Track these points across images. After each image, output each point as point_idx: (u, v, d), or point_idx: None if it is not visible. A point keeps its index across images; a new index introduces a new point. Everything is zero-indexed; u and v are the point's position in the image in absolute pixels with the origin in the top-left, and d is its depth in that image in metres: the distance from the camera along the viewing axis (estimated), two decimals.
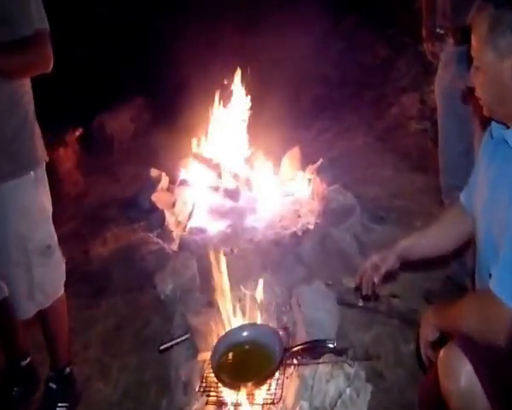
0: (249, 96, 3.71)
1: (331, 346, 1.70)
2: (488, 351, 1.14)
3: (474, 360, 1.13)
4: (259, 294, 2.21)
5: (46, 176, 1.87)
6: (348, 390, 1.66)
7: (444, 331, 1.31)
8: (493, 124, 1.29)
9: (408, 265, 1.57)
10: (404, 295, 2.22)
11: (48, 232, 1.86)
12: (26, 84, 1.76)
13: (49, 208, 1.89)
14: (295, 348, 1.75)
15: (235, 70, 3.81)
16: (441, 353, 1.20)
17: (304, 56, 4.91)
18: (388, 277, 1.58)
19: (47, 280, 1.84)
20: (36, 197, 1.80)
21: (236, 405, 1.68)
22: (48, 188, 1.88)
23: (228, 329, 1.97)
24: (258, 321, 2.07)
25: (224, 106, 3.68)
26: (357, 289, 1.61)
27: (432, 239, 1.55)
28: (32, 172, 1.76)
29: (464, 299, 1.27)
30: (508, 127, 1.23)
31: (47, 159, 1.87)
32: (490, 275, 1.19)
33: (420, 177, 3.09)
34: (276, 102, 4.18)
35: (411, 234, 1.57)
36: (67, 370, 1.99)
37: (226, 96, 3.71)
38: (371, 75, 4.90)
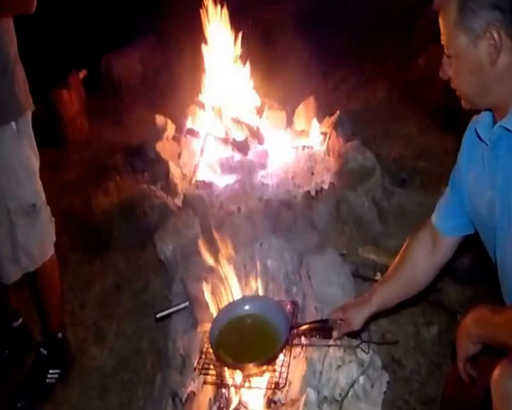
0: (263, 42, 3.28)
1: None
2: None
3: None
4: (267, 260, 1.97)
5: (31, 127, 1.62)
6: (361, 379, 1.43)
7: (489, 344, 1.03)
8: (478, 123, 1.10)
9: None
10: None
11: (32, 190, 1.62)
12: (3, 23, 1.47)
13: (35, 163, 1.65)
14: (303, 328, 1.52)
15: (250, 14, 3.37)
16: (497, 373, 0.92)
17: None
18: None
19: (32, 242, 1.62)
20: (18, 151, 1.56)
21: (237, 387, 1.48)
22: (33, 141, 1.64)
23: (230, 299, 1.75)
24: (265, 291, 1.84)
25: (237, 51, 3.27)
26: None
27: (403, 287, 1.36)
28: (12, 123, 1.52)
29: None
30: (494, 116, 1.05)
31: (33, 108, 1.63)
32: None
33: (447, 137, 2.71)
34: (292, 48, 3.74)
35: (378, 287, 1.38)
36: (59, 335, 1.82)
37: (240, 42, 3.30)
38: (396, 21, 4.35)
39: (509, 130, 0.98)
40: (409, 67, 3.73)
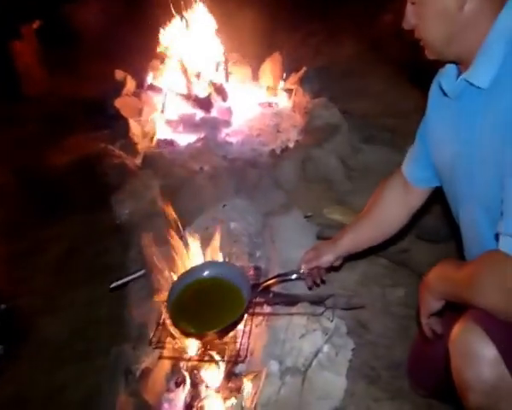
0: None
1: (303, 275, 1.36)
2: None
3: (502, 344, 0.78)
4: (230, 222, 1.76)
5: None
6: (326, 347, 1.28)
7: (451, 300, 0.94)
8: (442, 76, 1.00)
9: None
10: None
11: None
12: None
13: None
14: (265, 284, 1.36)
15: None
16: (455, 331, 0.84)
17: None
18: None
19: None
20: None
21: (195, 360, 1.30)
22: None
23: (191, 265, 1.54)
24: (228, 255, 1.64)
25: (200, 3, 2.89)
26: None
27: (375, 229, 1.29)
28: None
29: (477, 261, 0.87)
30: (459, 68, 0.96)
31: None
32: (496, 236, 0.84)
33: (415, 92, 2.51)
34: (258, 2, 3.36)
35: (349, 228, 1.32)
36: (2, 307, 1.57)
37: None
38: None
39: (471, 84, 0.90)
40: (376, 22, 3.45)
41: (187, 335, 1.32)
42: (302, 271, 1.34)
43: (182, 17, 3.00)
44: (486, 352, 0.78)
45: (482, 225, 0.97)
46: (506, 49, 0.84)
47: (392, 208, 1.26)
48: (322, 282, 1.40)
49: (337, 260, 1.34)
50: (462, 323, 0.84)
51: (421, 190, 1.22)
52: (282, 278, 1.38)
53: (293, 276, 1.38)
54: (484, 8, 0.87)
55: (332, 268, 1.38)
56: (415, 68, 2.80)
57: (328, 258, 1.31)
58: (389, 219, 1.27)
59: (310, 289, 1.41)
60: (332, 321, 1.31)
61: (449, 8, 0.88)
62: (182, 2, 2.98)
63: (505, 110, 0.83)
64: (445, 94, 1.00)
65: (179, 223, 1.69)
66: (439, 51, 0.94)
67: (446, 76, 0.99)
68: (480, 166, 0.91)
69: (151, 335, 1.36)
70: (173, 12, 3.04)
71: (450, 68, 0.99)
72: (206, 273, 1.44)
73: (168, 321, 1.35)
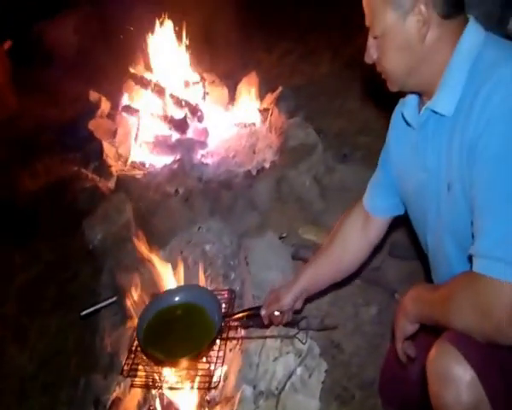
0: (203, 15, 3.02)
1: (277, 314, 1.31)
2: (493, 350, 0.80)
3: (478, 364, 0.80)
4: (205, 244, 1.81)
5: None
6: (299, 370, 1.33)
7: (426, 323, 0.96)
8: (404, 106, 1.04)
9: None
10: None
11: None
12: None
13: None
14: (235, 317, 1.38)
15: None
16: (431, 354, 0.85)
17: None
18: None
19: None
20: None
21: (167, 388, 1.33)
22: None
23: (164, 289, 1.57)
24: (202, 278, 1.68)
25: (177, 23, 2.99)
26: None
27: (334, 267, 1.28)
28: None
29: (451, 283, 0.88)
30: (421, 97, 1.00)
31: None
32: (469, 258, 0.85)
33: (388, 111, 2.63)
34: (233, 20, 3.48)
35: (308, 266, 1.30)
36: None
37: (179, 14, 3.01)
38: None
39: (436, 112, 0.93)
40: (351, 41, 3.61)
41: (158, 362, 1.34)
42: (263, 312, 1.29)
43: (157, 37, 3.08)
44: (463, 374, 0.79)
45: (450, 250, 1.00)
46: (467, 73, 0.88)
47: (351, 244, 1.25)
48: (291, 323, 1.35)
49: (298, 302, 1.30)
50: (438, 345, 0.84)
51: (383, 220, 1.23)
52: (253, 311, 1.34)
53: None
54: (444, 36, 0.91)
55: (296, 311, 1.34)
56: (386, 87, 2.95)
57: (287, 301, 1.27)
58: (349, 256, 1.26)
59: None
60: (305, 343, 1.36)
61: (411, 40, 0.91)
62: (157, 22, 3.07)
63: (471, 134, 0.84)
64: (407, 124, 1.03)
65: (152, 247, 1.73)
66: (401, 83, 0.97)
67: (408, 106, 1.03)
68: (446, 192, 0.93)
69: (123, 363, 1.38)
70: (149, 32, 3.13)
71: (411, 99, 1.03)
72: (177, 298, 1.48)
73: (140, 349, 1.37)
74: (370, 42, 0.97)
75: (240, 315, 1.37)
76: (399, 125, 1.09)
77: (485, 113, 0.82)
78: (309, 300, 1.41)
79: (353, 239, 1.25)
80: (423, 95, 0.99)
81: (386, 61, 0.96)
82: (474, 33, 0.90)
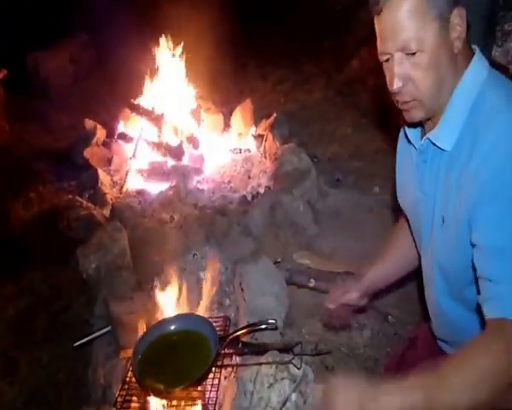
0: (199, 43, 3.15)
1: (272, 325, 1.38)
2: None
3: None
4: (200, 271, 1.84)
5: None
6: (294, 396, 1.34)
7: None
8: (409, 132, 1.02)
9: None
10: (359, 270, 1.91)
11: None
12: None
13: None
14: (231, 337, 1.40)
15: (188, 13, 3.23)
16: None
17: (261, 1, 4.33)
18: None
19: None
20: None
21: None
22: None
23: (158, 319, 1.59)
24: (197, 305, 1.71)
25: (172, 52, 3.11)
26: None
27: (402, 257, 1.25)
28: None
29: (464, 353, 0.76)
30: (423, 128, 0.98)
31: None
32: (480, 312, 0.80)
33: (380, 135, 2.74)
34: (229, 49, 3.62)
35: (374, 262, 1.27)
36: None
37: (176, 42, 3.14)
38: (331, 23, 4.39)
39: (435, 144, 0.93)
40: (344, 68, 3.75)
41: (153, 392, 1.36)
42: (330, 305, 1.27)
43: (153, 65, 3.20)
44: None
45: (436, 276, 1.01)
46: (468, 111, 0.87)
47: (403, 249, 1.24)
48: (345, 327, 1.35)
49: (363, 299, 1.27)
50: None
51: None
52: (252, 328, 1.42)
53: (263, 326, 1.45)
54: (465, 56, 0.89)
55: (358, 310, 1.34)
56: (379, 112, 3.07)
57: (355, 294, 1.24)
58: (405, 250, 1.23)
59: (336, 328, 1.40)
60: (300, 369, 1.38)
61: (447, 55, 0.87)
62: (153, 50, 3.20)
63: (473, 171, 0.83)
64: (409, 141, 1.03)
65: (148, 275, 1.76)
66: (429, 107, 0.90)
67: (412, 126, 1.01)
68: (440, 223, 0.93)
69: (116, 394, 1.39)
70: (144, 60, 3.25)
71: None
72: (172, 327, 1.49)
73: (134, 379, 1.38)
74: (397, 67, 0.88)
75: (239, 333, 1.40)
76: (404, 141, 1.09)
77: (484, 174, 0.81)
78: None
79: (405, 243, 1.23)
80: (426, 123, 0.96)
81: (421, 82, 0.87)
82: (478, 67, 0.89)
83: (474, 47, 0.93)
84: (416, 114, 0.93)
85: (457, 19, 0.86)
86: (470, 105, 0.87)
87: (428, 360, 1.07)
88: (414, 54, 0.86)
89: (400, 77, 0.88)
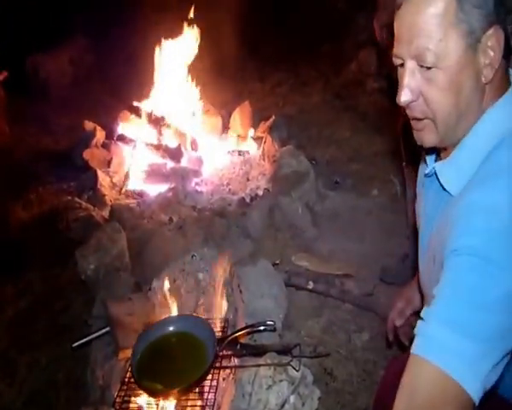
0: (198, 45, 3.15)
1: (270, 327, 1.37)
2: None
3: None
4: (199, 273, 1.84)
5: None
6: (292, 398, 1.34)
7: None
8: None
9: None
10: (357, 273, 1.91)
11: None
12: None
13: None
14: (230, 338, 1.40)
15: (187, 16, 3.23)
16: None
17: (260, 4, 4.34)
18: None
19: None
20: None
21: None
22: None
23: (157, 320, 1.59)
24: (196, 307, 1.70)
25: (172, 55, 3.11)
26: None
27: None
28: None
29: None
30: (438, 156, 0.85)
31: None
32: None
33: (378, 138, 2.75)
34: (227, 52, 3.63)
35: None
36: None
37: (175, 45, 3.14)
38: (330, 27, 4.41)
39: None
40: (342, 71, 3.76)
41: (151, 393, 1.35)
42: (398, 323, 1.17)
43: (151, 67, 3.20)
44: None
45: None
46: (483, 158, 0.74)
47: None
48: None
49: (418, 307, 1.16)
50: None
51: None
52: (250, 330, 1.42)
53: (261, 327, 1.45)
54: (498, 87, 0.75)
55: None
56: (377, 115, 3.07)
57: (419, 297, 1.13)
58: None
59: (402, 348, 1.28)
60: (298, 371, 1.38)
61: (473, 80, 0.72)
62: (151, 52, 3.20)
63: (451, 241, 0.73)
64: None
65: (147, 276, 1.75)
66: (444, 134, 0.77)
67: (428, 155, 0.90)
68: (432, 264, 0.85)
69: (115, 395, 1.38)
70: (143, 62, 3.25)
71: None
72: (171, 328, 1.49)
73: (133, 380, 1.38)
74: (408, 78, 0.75)
75: (238, 334, 1.39)
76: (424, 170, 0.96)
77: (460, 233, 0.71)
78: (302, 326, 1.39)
79: None
80: (441, 150, 0.84)
81: (436, 101, 0.74)
82: (509, 108, 0.75)
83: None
84: (428, 139, 0.79)
85: (492, 41, 0.71)
86: (486, 154, 0.74)
87: None
88: (429, 68, 0.73)
89: (410, 89, 0.75)
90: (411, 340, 0.77)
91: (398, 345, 1.27)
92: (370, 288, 1.74)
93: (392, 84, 1.95)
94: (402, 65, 0.77)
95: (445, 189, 0.81)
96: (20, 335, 1.87)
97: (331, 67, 3.87)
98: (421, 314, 0.75)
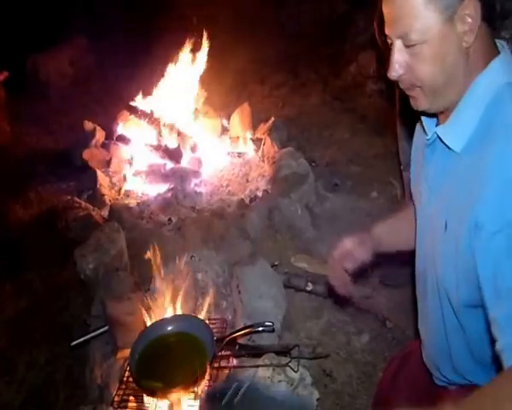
0: (200, 47, 3.16)
1: (269, 327, 1.37)
2: None
3: None
4: (198, 273, 1.84)
5: None
6: None
7: None
8: (424, 118, 0.94)
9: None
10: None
11: None
12: None
13: None
14: (229, 338, 1.40)
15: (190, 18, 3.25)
16: None
17: (259, 5, 4.35)
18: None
19: None
20: None
21: None
22: None
23: (154, 319, 1.58)
24: (195, 307, 1.70)
25: (173, 56, 3.12)
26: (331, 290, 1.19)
27: (405, 228, 1.12)
28: None
29: (498, 385, 0.67)
30: (437, 119, 0.90)
31: None
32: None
33: (378, 140, 2.75)
34: (227, 53, 3.63)
35: (386, 219, 1.16)
36: None
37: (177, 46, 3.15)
38: (329, 29, 4.42)
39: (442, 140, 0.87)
40: (341, 73, 3.77)
41: (150, 393, 1.35)
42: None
43: (151, 68, 3.20)
44: None
45: (432, 290, 0.93)
46: (483, 112, 0.81)
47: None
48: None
49: (369, 255, 1.12)
50: None
51: None
52: (249, 330, 1.43)
53: (260, 328, 1.45)
54: (483, 51, 0.82)
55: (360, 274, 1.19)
56: (377, 117, 3.08)
57: (368, 247, 1.10)
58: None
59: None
60: (297, 372, 1.38)
61: (454, 49, 0.80)
62: (152, 53, 3.20)
63: (480, 206, 0.74)
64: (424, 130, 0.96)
65: (146, 276, 1.75)
66: (432, 99, 0.85)
67: (427, 121, 0.94)
68: (443, 230, 0.85)
69: (113, 394, 1.38)
70: (143, 63, 3.25)
71: None
72: (169, 328, 1.49)
73: (131, 379, 1.37)
74: (397, 55, 0.84)
75: (236, 334, 1.39)
76: (419, 129, 1.02)
77: (489, 192, 0.73)
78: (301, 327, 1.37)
79: None
80: (441, 113, 0.90)
81: (422, 72, 0.83)
82: (500, 68, 0.82)
83: (502, 46, 0.85)
84: (421, 104, 0.87)
85: (468, 10, 0.78)
86: (483, 109, 0.81)
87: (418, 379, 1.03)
88: (414, 45, 0.81)
89: (399, 65, 0.84)
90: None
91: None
92: (369, 290, 1.74)
93: (391, 86, 1.96)
94: (392, 44, 0.86)
95: (450, 149, 0.85)
96: (19, 334, 1.86)
97: (330, 69, 3.88)
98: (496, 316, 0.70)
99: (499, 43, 0.86)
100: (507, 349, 0.68)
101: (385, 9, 0.84)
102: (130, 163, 2.81)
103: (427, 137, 0.92)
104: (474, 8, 0.78)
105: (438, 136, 0.88)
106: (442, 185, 0.88)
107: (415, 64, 0.83)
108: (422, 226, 0.98)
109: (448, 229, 0.84)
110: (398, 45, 0.84)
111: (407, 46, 0.82)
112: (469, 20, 0.78)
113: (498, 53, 0.83)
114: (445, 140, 0.86)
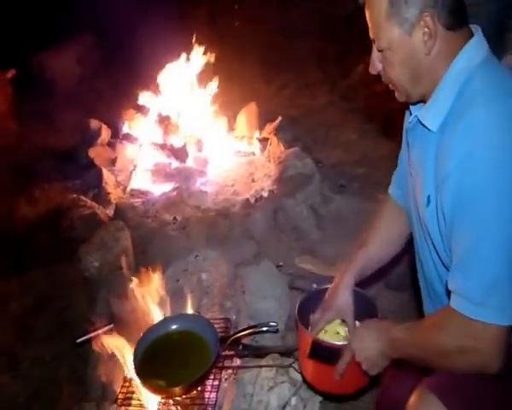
0: (205, 46, 3.18)
1: (273, 328, 1.38)
2: (476, 400, 0.83)
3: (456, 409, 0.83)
4: (202, 273, 1.86)
5: None
6: (293, 400, 1.36)
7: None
8: (411, 105, 1.07)
9: None
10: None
11: None
12: None
13: None
14: (233, 338, 1.42)
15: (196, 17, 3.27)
16: (412, 400, 0.89)
17: (266, 4, 4.37)
18: None
19: None
20: None
21: None
22: None
23: (158, 318, 1.61)
24: (199, 307, 1.72)
25: (180, 55, 3.14)
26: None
27: (379, 251, 1.27)
28: None
29: (423, 326, 0.98)
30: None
31: None
32: (447, 290, 0.91)
33: (385, 142, 2.75)
34: (234, 52, 3.65)
35: (357, 249, 1.27)
36: None
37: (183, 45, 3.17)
38: (337, 29, 4.42)
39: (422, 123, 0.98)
40: (348, 74, 3.77)
41: (154, 391, 1.37)
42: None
43: (158, 67, 3.22)
44: None
45: (429, 255, 1.04)
46: (456, 93, 0.91)
47: (395, 218, 1.25)
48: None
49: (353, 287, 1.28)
50: (419, 392, 0.89)
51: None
52: (253, 330, 1.43)
53: (264, 328, 1.46)
54: (448, 48, 0.92)
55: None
56: (385, 118, 3.08)
57: (346, 304, 1.26)
58: (397, 227, 1.25)
59: None
60: (300, 373, 1.39)
61: (417, 54, 0.92)
62: (158, 51, 3.22)
63: (443, 171, 0.87)
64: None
65: (150, 275, 1.77)
66: (408, 93, 0.99)
67: (414, 107, 1.04)
68: (425, 205, 0.97)
69: (117, 391, 1.40)
70: (150, 62, 3.27)
71: None
72: (174, 327, 1.51)
73: (135, 377, 1.40)
74: (375, 54, 0.99)
75: (240, 334, 1.41)
76: (407, 116, 1.12)
77: (452, 160, 0.86)
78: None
79: (396, 214, 1.24)
80: (424, 102, 1.01)
81: (392, 73, 0.97)
82: (473, 52, 0.92)
83: (476, 29, 0.94)
84: (398, 97, 1.01)
85: (425, 21, 0.90)
86: (457, 89, 0.90)
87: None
88: (381, 50, 0.97)
89: (376, 64, 0.99)
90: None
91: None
92: (374, 293, 1.74)
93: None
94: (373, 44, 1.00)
95: (429, 130, 0.96)
96: (24, 330, 1.89)
97: (338, 68, 3.88)
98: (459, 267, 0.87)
99: (473, 27, 0.95)
100: (464, 297, 0.86)
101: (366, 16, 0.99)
102: (136, 162, 2.84)
103: (409, 120, 1.04)
104: (432, 18, 0.89)
105: (418, 119, 0.99)
106: (425, 167, 0.98)
107: (385, 66, 0.98)
108: (412, 208, 1.08)
109: (431, 203, 0.95)
110: (375, 48, 0.99)
111: (378, 50, 0.97)
112: (427, 30, 0.90)
113: (472, 36, 0.93)
114: (423, 121, 0.97)
